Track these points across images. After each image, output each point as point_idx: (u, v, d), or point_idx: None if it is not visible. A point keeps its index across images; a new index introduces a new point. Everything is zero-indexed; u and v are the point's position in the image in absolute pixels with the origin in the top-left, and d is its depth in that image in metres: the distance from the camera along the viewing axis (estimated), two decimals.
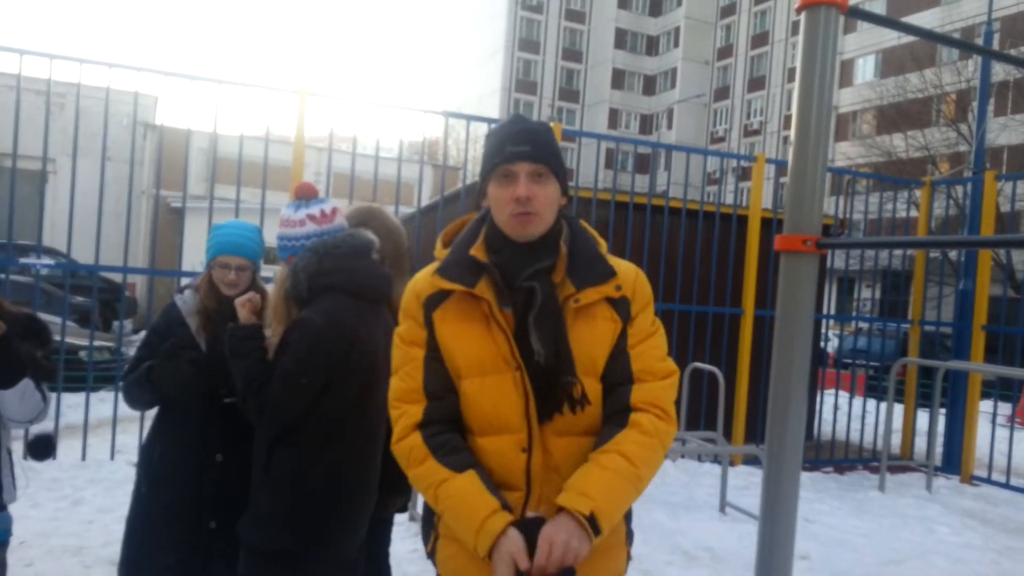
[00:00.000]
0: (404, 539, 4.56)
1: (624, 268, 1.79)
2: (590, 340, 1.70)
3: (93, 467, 5.62)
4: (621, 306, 1.74)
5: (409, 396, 1.73)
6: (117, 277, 10.74)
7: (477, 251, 1.72)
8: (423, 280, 1.77)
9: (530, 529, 1.57)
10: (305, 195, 2.47)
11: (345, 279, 2.34)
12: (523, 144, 1.68)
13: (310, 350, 2.23)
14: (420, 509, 4.97)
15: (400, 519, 4.65)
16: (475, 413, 1.70)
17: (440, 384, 1.72)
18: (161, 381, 2.56)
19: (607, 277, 1.73)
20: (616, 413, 1.70)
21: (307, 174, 6.38)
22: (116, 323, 14.31)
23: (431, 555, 1.81)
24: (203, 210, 5.89)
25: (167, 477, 2.63)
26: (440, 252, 1.80)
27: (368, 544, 2.60)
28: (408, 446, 1.69)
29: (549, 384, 1.67)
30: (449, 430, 1.70)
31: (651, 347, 1.75)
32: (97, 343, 8.31)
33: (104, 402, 7.15)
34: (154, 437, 2.71)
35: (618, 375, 1.72)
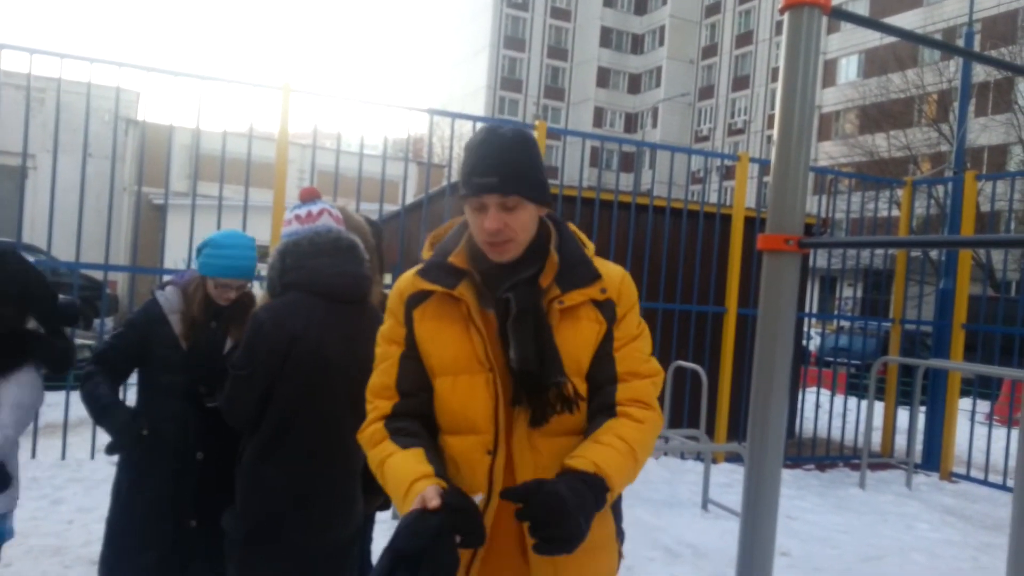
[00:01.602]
0: (387, 537, 4.55)
1: (610, 270, 1.79)
2: (574, 341, 1.70)
3: (73, 466, 5.57)
4: (606, 308, 1.74)
5: (382, 392, 1.75)
6: (98, 275, 10.65)
7: (456, 259, 1.73)
8: (406, 279, 1.80)
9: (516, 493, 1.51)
10: (305, 197, 2.53)
11: (301, 276, 2.38)
12: (490, 175, 1.62)
13: (249, 344, 2.32)
14: None
15: (384, 516, 4.64)
16: (445, 411, 1.71)
17: (412, 382, 1.73)
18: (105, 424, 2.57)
19: (592, 280, 1.74)
20: (603, 409, 1.71)
21: (291, 171, 6.36)
22: (97, 321, 14.19)
23: None
24: (185, 207, 5.86)
25: (147, 476, 2.63)
26: (427, 253, 1.81)
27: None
28: (370, 432, 1.73)
29: (538, 388, 1.66)
30: (414, 422, 1.72)
31: (635, 350, 1.76)
32: (77, 341, 8.25)
33: None
34: (120, 446, 2.68)
35: (603, 377, 1.73)
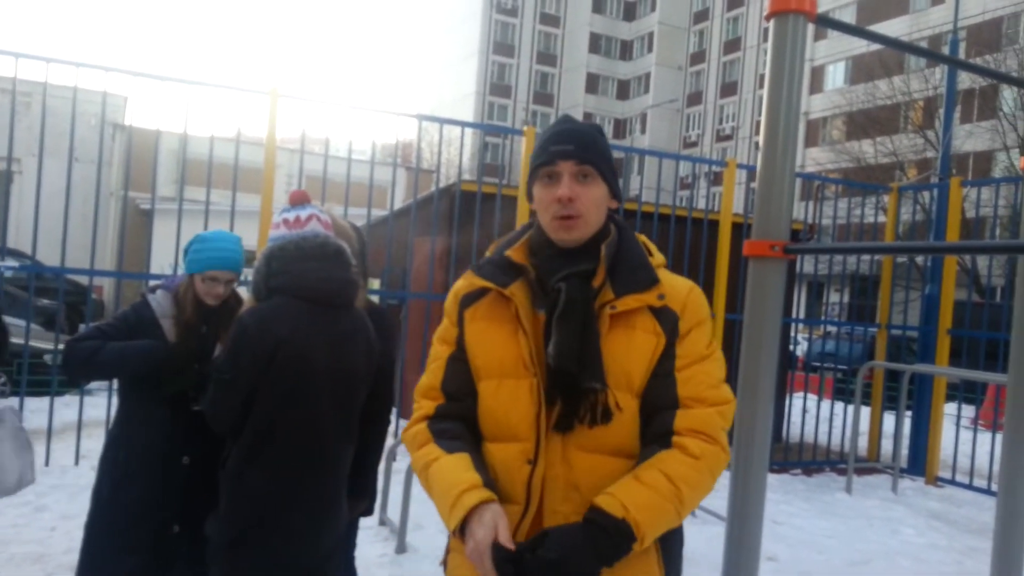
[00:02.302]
0: (373, 543, 4.53)
1: (677, 282, 1.68)
2: (626, 351, 1.59)
3: (57, 473, 5.52)
4: (665, 319, 1.61)
5: (429, 392, 1.71)
6: (84, 279, 10.59)
7: (514, 252, 1.68)
8: (462, 279, 1.76)
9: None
10: (295, 201, 2.52)
11: (287, 281, 2.38)
12: (567, 143, 1.62)
13: (232, 348, 2.32)
14: (389, 513, 4.95)
15: (369, 523, 4.63)
16: (487, 416, 1.65)
17: (458, 385, 1.68)
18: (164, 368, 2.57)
19: (649, 285, 1.62)
20: (658, 437, 1.58)
21: (279, 176, 6.34)
22: (82, 326, 14.10)
23: (443, 565, 1.79)
24: (172, 212, 5.83)
25: (131, 479, 2.61)
26: (489, 254, 1.77)
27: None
28: (413, 433, 1.67)
29: (571, 391, 1.57)
30: (458, 424, 1.66)
31: (702, 372, 1.61)
32: (62, 347, 8.16)
33: (68, 407, 7.03)
34: (118, 438, 2.69)
35: (663, 399, 1.59)
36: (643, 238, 1.76)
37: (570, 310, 1.58)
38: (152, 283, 3.05)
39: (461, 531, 1.47)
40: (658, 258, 1.72)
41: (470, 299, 1.71)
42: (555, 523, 1.55)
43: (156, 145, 5.84)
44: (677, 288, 1.66)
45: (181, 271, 2.81)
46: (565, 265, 1.63)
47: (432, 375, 1.71)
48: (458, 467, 1.55)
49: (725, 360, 1.72)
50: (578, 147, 1.62)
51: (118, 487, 2.62)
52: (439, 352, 1.73)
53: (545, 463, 1.58)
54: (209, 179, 5.67)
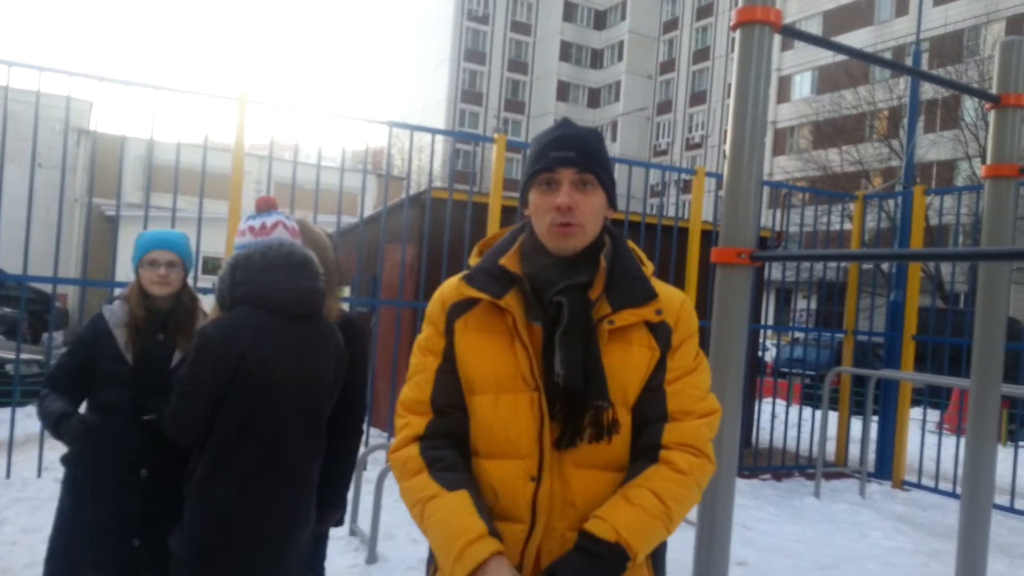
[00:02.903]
0: (343, 553, 4.49)
1: (669, 293, 1.66)
2: (623, 367, 1.57)
3: (18, 485, 5.40)
4: (660, 332, 1.60)
5: (415, 407, 1.63)
6: (47, 288, 10.40)
7: (508, 261, 1.61)
8: (450, 286, 1.67)
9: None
10: (261, 207, 2.48)
11: (251, 291, 2.34)
12: (568, 149, 1.57)
13: (195, 359, 2.28)
14: (359, 523, 4.91)
15: (340, 533, 4.58)
16: (484, 433, 1.58)
17: (448, 399, 1.61)
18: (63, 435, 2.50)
19: (647, 299, 1.60)
20: (646, 451, 1.57)
21: (247, 183, 6.28)
22: (45, 335, 13.84)
23: None
24: (138, 219, 5.74)
25: (90, 493, 2.56)
26: (474, 260, 1.70)
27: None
28: (404, 457, 1.59)
29: (576, 408, 1.53)
30: (449, 446, 1.59)
31: (690, 385, 1.60)
32: (24, 356, 8.02)
33: (31, 417, 6.88)
34: (78, 452, 2.63)
35: (652, 413, 1.58)
36: (633, 246, 1.74)
37: (574, 325, 1.54)
38: (116, 292, 2.99)
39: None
40: (648, 266, 1.70)
41: (460, 309, 1.63)
42: (551, 540, 1.53)
43: (121, 151, 5.77)
44: (671, 300, 1.64)
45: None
46: (561, 275, 1.58)
47: (419, 388, 1.63)
48: (461, 510, 1.48)
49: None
50: (580, 154, 1.58)
51: (77, 502, 2.57)
52: (425, 363, 1.65)
53: (550, 480, 1.54)
54: (176, 185, 5.60)
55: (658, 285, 1.66)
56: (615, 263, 1.63)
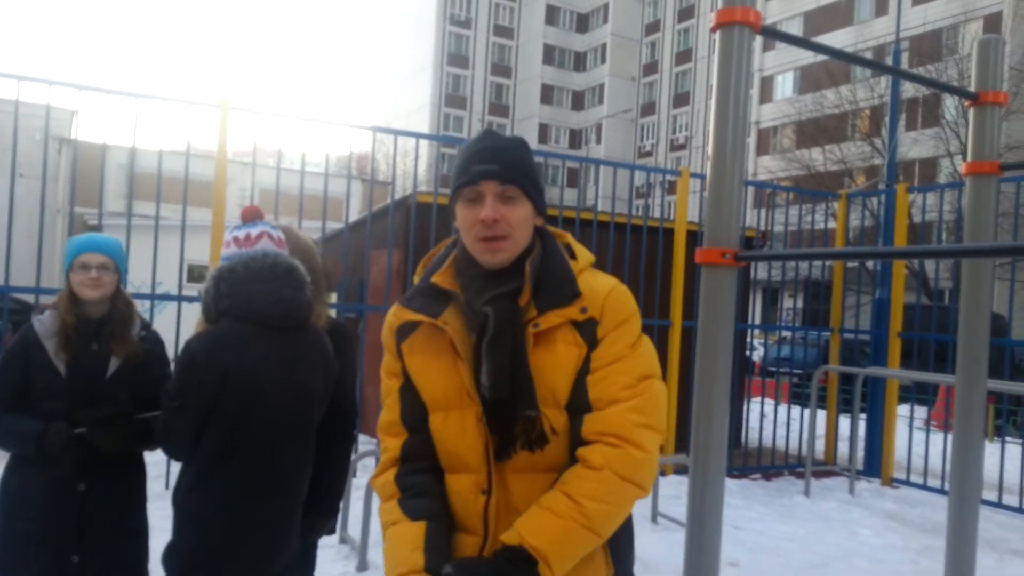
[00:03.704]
0: (334, 561, 4.47)
1: (596, 284, 1.63)
2: (551, 368, 1.57)
3: None
4: (586, 329, 1.59)
5: (391, 429, 1.68)
6: (30, 298, 10.30)
7: (440, 278, 1.65)
8: (392, 311, 1.72)
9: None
10: (247, 218, 2.45)
11: (234, 304, 2.31)
12: (490, 163, 1.58)
13: (180, 374, 2.27)
14: (349, 530, 4.89)
15: (330, 541, 4.56)
16: (440, 448, 1.63)
17: (416, 415, 1.65)
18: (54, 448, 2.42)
19: (571, 299, 1.59)
20: (573, 447, 1.57)
21: (231, 190, 6.25)
22: None
23: None
24: (121, 227, 5.71)
25: (24, 507, 2.48)
26: (416, 277, 1.73)
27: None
28: (382, 483, 1.66)
29: (506, 419, 1.55)
30: (423, 470, 1.63)
31: (615, 372, 1.57)
32: None
33: None
34: (13, 464, 2.56)
35: (577, 405, 1.58)
36: (568, 238, 1.74)
37: (499, 335, 1.55)
38: (42, 300, 2.81)
39: None
40: (583, 260, 1.68)
41: (404, 332, 1.67)
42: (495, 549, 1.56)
43: (103, 159, 5.72)
44: (597, 292, 1.61)
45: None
46: (491, 285, 1.60)
47: (390, 411, 1.69)
48: (409, 542, 1.54)
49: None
50: (501, 166, 1.59)
51: (11, 516, 2.49)
52: (390, 387, 1.70)
53: (498, 492, 1.58)
54: (159, 193, 5.56)
55: (588, 278, 1.64)
56: (542, 267, 1.62)
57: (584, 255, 1.70)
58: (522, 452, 1.56)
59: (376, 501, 1.67)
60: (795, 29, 41.45)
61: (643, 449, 1.53)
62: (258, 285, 2.32)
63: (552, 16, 60.53)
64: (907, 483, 7.58)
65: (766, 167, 37.61)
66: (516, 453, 1.56)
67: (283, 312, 2.35)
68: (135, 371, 2.59)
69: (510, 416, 1.55)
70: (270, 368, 2.31)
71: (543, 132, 59.07)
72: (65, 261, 2.59)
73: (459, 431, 1.59)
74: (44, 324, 2.55)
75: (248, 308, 2.31)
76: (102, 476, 2.49)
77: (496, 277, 1.61)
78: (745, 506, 6.40)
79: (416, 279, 1.73)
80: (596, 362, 1.57)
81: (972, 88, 1.98)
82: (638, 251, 7.32)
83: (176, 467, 2.45)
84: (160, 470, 5.67)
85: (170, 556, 2.29)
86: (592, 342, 1.58)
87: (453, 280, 1.65)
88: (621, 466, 1.51)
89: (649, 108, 56.81)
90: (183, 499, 2.29)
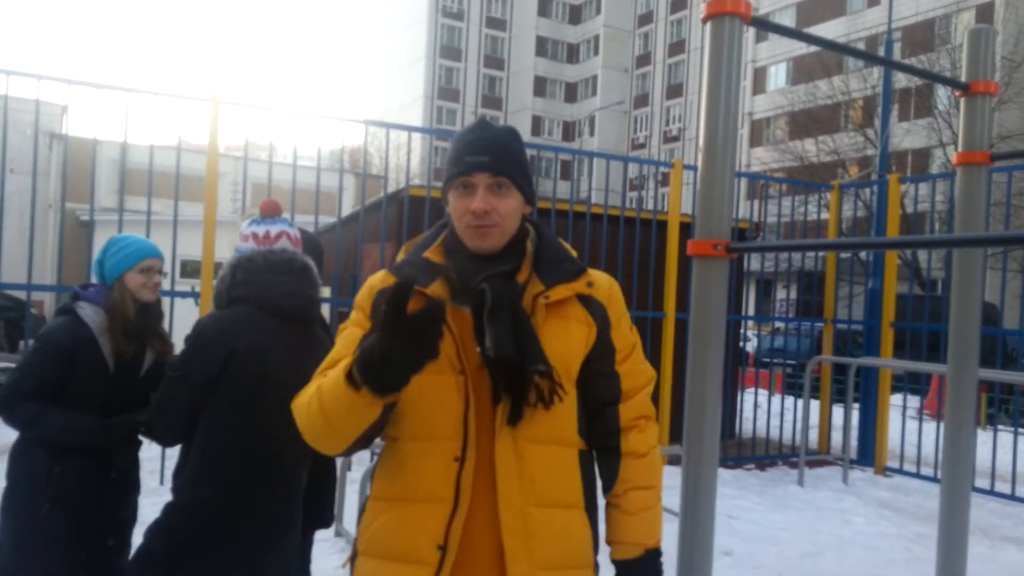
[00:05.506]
0: (329, 554, 4.47)
1: (599, 274, 1.75)
2: (563, 341, 1.63)
3: None
4: (595, 309, 1.68)
5: (330, 363, 1.62)
6: (22, 295, 10.27)
7: (431, 254, 1.68)
8: (378, 276, 1.74)
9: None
10: (266, 213, 2.49)
11: (251, 291, 2.35)
12: (482, 154, 1.62)
13: (188, 348, 2.30)
14: (346, 524, 4.89)
15: (325, 534, 4.56)
16: (411, 415, 1.60)
17: None
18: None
19: (577, 274, 1.68)
20: (608, 435, 1.71)
21: (223, 184, 6.23)
22: (22, 343, 13.68)
23: (350, 572, 1.74)
24: (113, 223, 5.69)
25: (72, 494, 2.57)
26: (400, 257, 1.75)
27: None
28: (302, 394, 1.59)
29: (515, 379, 1.56)
30: None
31: (636, 362, 1.74)
32: (1, 364, 7.94)
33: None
34: (56, 454, 2.60)
35: (607, 395, 1.70)
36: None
37: (499, 307, 1.57)
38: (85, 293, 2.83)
39: (351, 378, 1.38)
40: (573, 253, 1.78)
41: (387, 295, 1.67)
42: (477, 521, 1.57)
43: (94, 154, 5.70)
44: (600, 279, 1.73)
45: (97, 280, 2.72)
46: (485, 267, 1.63)
47: (336, 353, 1.62)
48: (340, 367, 1.45)
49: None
50: (493, 158, 1.62)
51: (57, 502, 2.54)
52: (353, 334, 1.64)
53: (475, 460, 1.58)
54: (150, 188, 5.55)
55: (588, 268, 1.75)
56: (540, 248, 1.70)
57: (573, 251, 1.78)
58: (535, 421, 1.59)
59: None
60: (788, 19, 41.45)
61: (656, 423, 1.78)
62: (275, 277, 2.38)
63: (544, 8, 60.37)
64: (900, 472, 7.62)
65: (759, 158, 37.63)
66: (530, 409, 1.57)
67: (296, 305, 2.42)
68: (160, 368, 2.67)
69: (520, 376, 1.56)
70: (278, 356, 2.34)
71: (536, 124, 58.98)
72: (123, 261, 2.64)
73: (437, 397, 1.59)
74: (94, 320, 2.60)
75: (263, 297, 2.36)
76: (129, 464, 2.69)
77: (488, 259, 1.65)
78: (739, 496, 6.42)
79: (399, 257, 1.75)
80: (621, 352, 1.72)
81: (963, 78, 1.98)
82: (632, 243, 7.33)
83: (170, 464, 2.47)
84: (155, 465, 5.66)
85: (160, 536, 2.28)
86: (602, 323, 1.69)
87: (443, 258, 1.69)
88: (653, 439, 1.76)
89: (642, 100, 56.74)
90: (183, 484, 2.30)
